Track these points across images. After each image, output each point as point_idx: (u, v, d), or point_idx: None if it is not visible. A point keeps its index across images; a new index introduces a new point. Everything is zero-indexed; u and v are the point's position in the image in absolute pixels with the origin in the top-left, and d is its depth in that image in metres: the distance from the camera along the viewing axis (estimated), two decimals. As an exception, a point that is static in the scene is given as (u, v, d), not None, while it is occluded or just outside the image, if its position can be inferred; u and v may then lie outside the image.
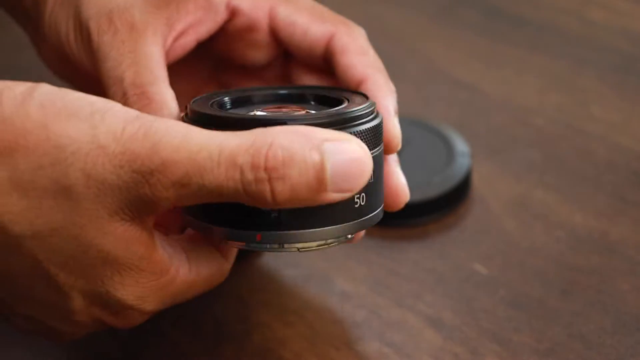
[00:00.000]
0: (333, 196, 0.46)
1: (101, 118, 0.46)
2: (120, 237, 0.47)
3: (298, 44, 0.58)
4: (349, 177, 0.46)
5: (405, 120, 0.73)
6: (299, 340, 0.60)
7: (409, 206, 0.68)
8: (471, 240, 0.67)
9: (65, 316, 0.50)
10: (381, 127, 0.52)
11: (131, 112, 0.47)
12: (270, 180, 0.45)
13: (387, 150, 0.55)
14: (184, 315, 0.62)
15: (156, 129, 0.46)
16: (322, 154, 0.45)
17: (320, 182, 0.46)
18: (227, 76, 0.62)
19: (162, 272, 0.49)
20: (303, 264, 0.65)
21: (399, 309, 0.62)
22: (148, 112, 0.52)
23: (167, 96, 0.54)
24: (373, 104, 0.52)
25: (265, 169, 0.45)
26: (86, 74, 0.57)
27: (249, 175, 0.45)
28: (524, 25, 0.89)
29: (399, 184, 0.56)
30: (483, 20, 0.90)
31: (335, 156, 0.46)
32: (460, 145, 0.72)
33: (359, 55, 0.57)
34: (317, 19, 0.58)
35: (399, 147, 0.56)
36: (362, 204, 0.51)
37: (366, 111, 0.51)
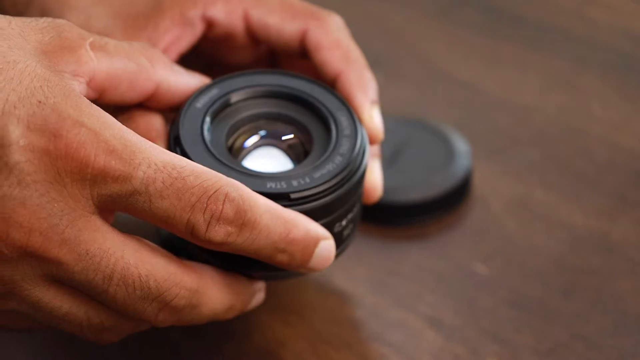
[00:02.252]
0: (304, 271, 0.53)
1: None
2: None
3: (275, 44, 0.59)
4: (325, 261, 0.52)
5: (405, 120, 0.74)
6: (299, 341, 0.60)
7: (409, 206, 0.68)
8: (471, 240, 0.67)
9: (2, 159, 0.46)
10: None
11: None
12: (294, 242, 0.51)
13: (371, 143, 0.56)
14: (184, 315, 0.62)
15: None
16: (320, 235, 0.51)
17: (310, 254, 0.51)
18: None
19: None
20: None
21: (399, 309, 0.62)
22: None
23: (154, 119, 0.54)
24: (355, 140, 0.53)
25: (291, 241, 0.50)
26: None
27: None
28: (524, 25, 0.89)
29: (373, 180, 0.57)
30: (483, 20, 0.90)
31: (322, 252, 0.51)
32: (460, 145, 0.72)
33: (331, 50, 0.57)
34: (289, 17, 0.58)
35: (380, 138, 0.56)
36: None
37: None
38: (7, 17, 0.48)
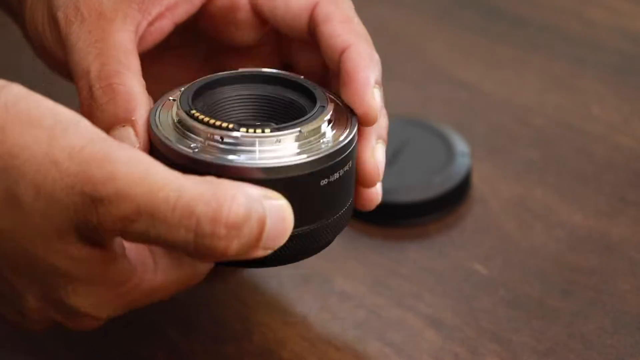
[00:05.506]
0: (260, 253, 0.46)
1: (62, 131, 0.44)
2: (71, 256, 0.45)
3: (281, 18, 0.56)
4: (277, 236, 0.46)
5: (405, 120, 0.74)
6: (299, 340, 0.60)
7: (409, 206, 0.68)
8: (471, 240, 0.67)
9: (19, 311, 0.48)
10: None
11: (98, 134, 0.45)
12: (228, 237, 0.44)
13: (364, 123, 0.53)
14: (184, 315, 0.62)
15: (117, 157, 0.44)
16: (265, 211, 0.45)
17: (258, 239, 0.45)
18: (220, 59, 0.61)
19: (121, 283, 0.47)
20: (303, 264, 0.65)
21: (399, 309, 0.62)
22: (114, 106, 0.51)
23: (134, 88, 0.52)
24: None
25: (226, 225, 0.44)
26: (66, 67, 0.55)
27: (206, 228, 0.44)
28: (524, 25, 0.89)
29: (371, 162, 0.54)
30: (483, 21, 0.90)
31: (272, 214, 0.46)
32: (460, 145, 0.72)
33: (342, 23, 0.55)
34: None
35: (376, 120, 0.54)
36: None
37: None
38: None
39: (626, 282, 0.63)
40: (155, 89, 0.54)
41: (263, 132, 0.50)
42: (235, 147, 0.50)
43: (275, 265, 0.54)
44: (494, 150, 0.75)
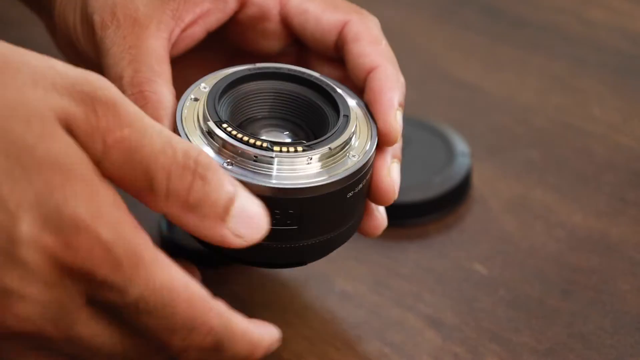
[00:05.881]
0: (228, 234, 0.48)
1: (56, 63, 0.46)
2: (68, 144, 0.45)
3: (310, 32, 0.58)
4: (249, 225, 0.48)
5: (405, 120, 0.74)
6: (299, 340, 0.60)
7: (409, 206, 0.68)
8: (471, 240, 0.67)
9: (10, 255, 0.44)
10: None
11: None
12: (195, 172, 0.46)
13: (385, 142, 0.55)
14: (184, 315, 0.62)
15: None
16: (236, 190, 0.47)
17: (226, 210, 0.47)
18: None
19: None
20: (303, 264, 0.65)
21: (399, 309, 0.62)
22: (146, 113, 0.52)
23: (165, 96, 0.53)
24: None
25: (196, 161, 0.46)
26: (95, 65, 0.56)
27: (180, 158, 0.45)
28: (524, 25, 0.89)
29: (387, 180, 0.56)
30: (483, 21, 0.90)
31: (245, 200, 0.48)
32: (460, 145, 0.72)
33: (371, 44, 0.56)
34: (330, 7, 0.57)
35: (396, 141, 0.55)
36: None
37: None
38: None
39: (626, 282, 0.63)
40: (176, 88, 0.55)
41: (296, 151, 0.51)
42: (268, 165, 0.51)
43: (287, 268, 0.56)
44: (494, 150, 0.75)
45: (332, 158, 0.52)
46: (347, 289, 0.64)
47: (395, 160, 0.56)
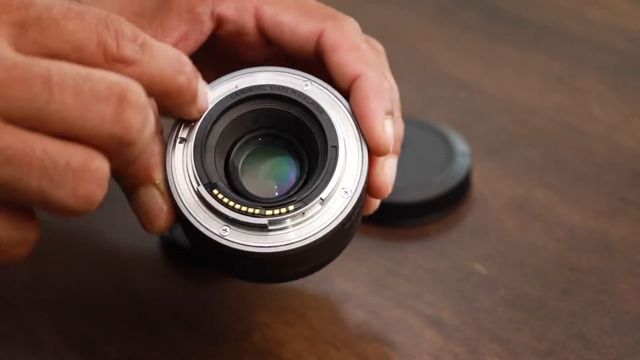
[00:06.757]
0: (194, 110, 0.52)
1: None
2: None
3: (288, 44, 0.57)
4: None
5: (405, 120, 0.73)
6: (299, 340, 0.60)
7: (409, 206, 0.68)
8: (471, 240, 0.67)
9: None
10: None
11: None
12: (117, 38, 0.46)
13: (376, 154, 0.54)
14: (184, 315, 0.62)
15: None
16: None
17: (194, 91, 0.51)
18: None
19: None
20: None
21: (399, 309, 0.62)
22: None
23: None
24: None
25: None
26: None
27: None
28: (524, 25, 0.89)
29: (380, 179, 0.55)
30: (483, 21, 0.90)
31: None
32: (460, 145, 0.72)
33: (349, 52, 0.55)
34: (304, 16, 0.56)
35: (388, 152, 0.54)
36: None
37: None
38: None
39: (626, 282, 0.63)
40: None
41: (288, 211, 0.51)
42: (261, 230, 0.51)
43: (290, 280, 0.57)
44: (494, 150, 0.75)
45: (324, 206, 0.51)
46: (347, 289, 0.64)
47: (390, 155, 0.55)
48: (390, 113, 0.55)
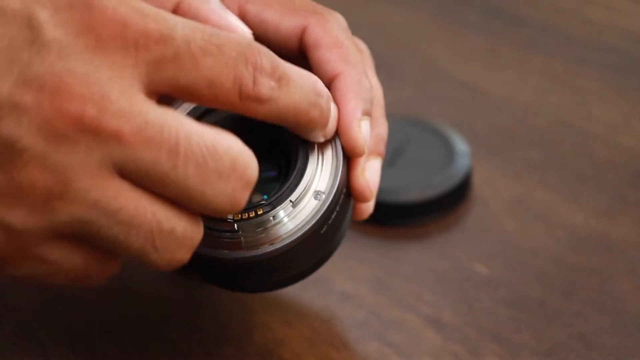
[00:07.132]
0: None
1: None
2: None
3: (273, 41, 0.56)
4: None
5: (405, 120, 0.74)
6: (299, 340, 0.60)
7: (409, 206, 0.68)
8: (471, 240, 0.67)
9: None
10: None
11: None
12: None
13: (352, 156, 0.53)
14: (184, 316, 0.62)
15: None
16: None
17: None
18: None
19: None
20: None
21: (399, 309, 0.62)
22: None
23: None
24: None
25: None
26: None
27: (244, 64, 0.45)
28: (524, 25, 0.89)
29: (360, 182, 0.54)
30: (483, 20, 0.90)
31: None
32: (460, 145, 0.72)
33: (331, 49, 0.55)
34: (287, 13, 0.56)
35: (363, 153, 0.53)
36: None
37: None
38: None
39: (627, 282, 0.63)
40: None
41: (257, 215, 0.50)
42: (233, 235, 0.50)
43: (277, 289, 0.57)
44: (494, 150, 0.75)
45: (296, 208, 0.50)
46: (347, 289, 0.64)
47: (372, 157, 0.55)
48: (368, 113, 0.54)
